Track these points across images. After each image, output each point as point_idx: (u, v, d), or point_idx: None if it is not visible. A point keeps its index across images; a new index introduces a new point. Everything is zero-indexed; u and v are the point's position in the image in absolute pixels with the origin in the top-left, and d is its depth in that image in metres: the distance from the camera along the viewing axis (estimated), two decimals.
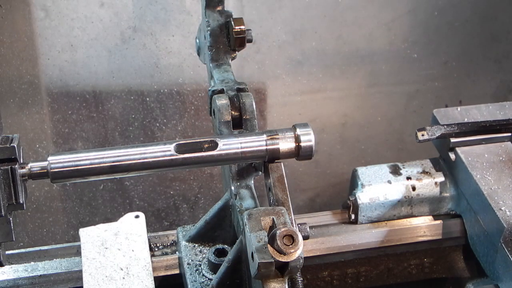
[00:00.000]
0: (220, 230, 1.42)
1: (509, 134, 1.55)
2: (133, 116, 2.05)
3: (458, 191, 1.55)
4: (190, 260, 1.42)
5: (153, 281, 1.38)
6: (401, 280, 1.63)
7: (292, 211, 1.16)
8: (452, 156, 1.53)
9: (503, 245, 1.39)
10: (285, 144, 1.17)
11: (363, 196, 1.56)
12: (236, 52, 1.44)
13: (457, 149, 1.53)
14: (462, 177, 1.52)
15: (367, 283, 1.61)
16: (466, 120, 1.58)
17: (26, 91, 1.97)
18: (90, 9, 1.93)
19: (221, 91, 1.30)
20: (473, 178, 1.47)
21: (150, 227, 2.08)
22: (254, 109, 1.27)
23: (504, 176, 1.48)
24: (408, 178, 1.58)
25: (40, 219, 2.09)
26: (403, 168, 1.61)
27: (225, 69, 1.39)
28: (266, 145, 1.17)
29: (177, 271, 1.50)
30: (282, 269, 1.07)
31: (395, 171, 1.60)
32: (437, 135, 1.49)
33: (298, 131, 1.18)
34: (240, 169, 1.29)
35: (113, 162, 1.14)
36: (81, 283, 1.39)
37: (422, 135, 1.49)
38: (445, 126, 1.51)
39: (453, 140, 1.53)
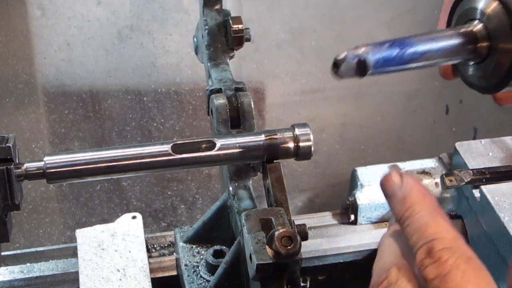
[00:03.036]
0: (218, 231, 1.41)
1: None
2: (130, 115, 2.05)
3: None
4: (187, 262, 1.42)
5: (150, 283, 1.38)
6: None
7: (290, 212, 1.15)
8: (476, 194, 1.50)
9: None
10: (284, 144, 1.16)
11: (363, 197, 1.55)
12: (234, 51, 1.43)
13: (483, 187, 1.48)
14: (488, 218, 1.48)
15: (367, 285, 1.60)
16: (491, 154, 1.55)
17: (22, 91, 1.97)
18: (87, 7, 1.92)
19: (219, 91, 1.30)
20: (500, 220, 1.43)
21: (148, 228, 2.07)
22: (253, 108, 1.26)
23: None
24: None
25: (36, 220, 2.08)
26: (403, 168, 1.60)
27: (223, 69, 1.39)
28: (265, 145, 1.16)
29: (174, 273, 1.49)
30: (280, 270, 1.06)
31: None
32: (466, 181, 1.45)
33: (297, 131, 1.17)
34: (238, 170, 1.29)
35: (110, 162, 1.13)
36: (77, 284, 1.38)
37: (450, 180, 1.44)
38: (474, 171, 1.47)
39: None
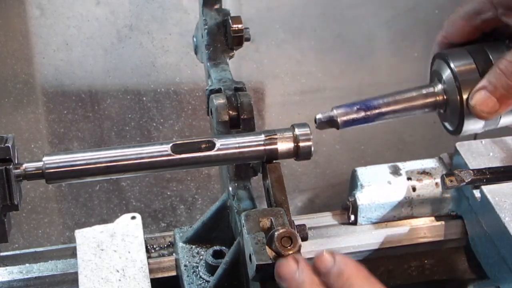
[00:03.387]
0: (217, 232, 1.41)
1: None
2: (130, 115, 2.04)
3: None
4: (187, 262, 1.41)
5: (149, 283, 1.37)
6: (401, 282, 1.62)
7: (290, 212, 1.15)
8: (477, 194, 1.49)
9: None
10: (284, 144, 1.16)
11: (363, 197, 1.54)
12: (234, 51, 1.43)
13: (483, 187, 1.47)
14: (489, 218, 1.47)
15: None
16: (491, 154, 1.55)
17: (21, 91, 1.97)
18: (86, 7, 1.92)
19: (219, 91, 1.29)
20: (501, 220, 1.42)
21: (147, 229, 2.07)
22: (252, 108, 1.26)
23: None
24: (409, 178, 1.57)
25: (35, 220, 2.08)
26: (403, 168, 1.59)
27: (222, 68, 1.38)
28: (264, 145, 1.16)
29: (174, 273, 1.48)
30: None
31: (395, 171, 1.58)
32: (466, 182, 1.46)
33: (297, 131, 1.16)
34: (238, 170, 1.28)
35: (109, 162, 1.12)
36: (76, 285, 1.38)
37: (451, 181, 1.45)
38: (475, 172, 1.47)
39: None
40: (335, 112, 1.16)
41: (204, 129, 2.09)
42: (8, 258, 1.50)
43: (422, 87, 1.19)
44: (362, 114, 1.15)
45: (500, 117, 1.15)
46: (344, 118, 1.16)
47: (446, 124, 1.21)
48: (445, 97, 1.16)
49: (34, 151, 2.03)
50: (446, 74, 1.15)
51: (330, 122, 1.17)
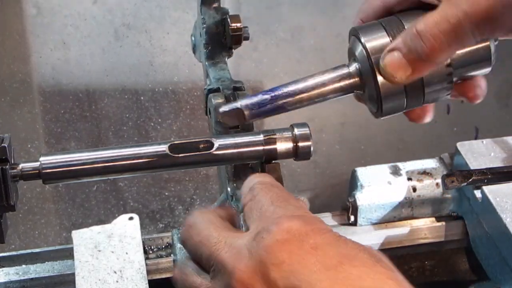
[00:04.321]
0: None
1: None
2: (127, 115, 2.04)
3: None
4: None
5: (147, 285, 1.36)
6: None
7: None
8: (478, 195, 1.48)
9: None
10: (283, 144, 1.15)
11: (363, 197, 1.54)
12: (233, 50, 1.42)
13: (484, 188, 1.47)
14: (490, 219, 1.46)
15: None
16: (492, 154, 1.54)
17: (18, 90, 1.96)
18: (83, 6, 1.92)
19: (217, 90, 1.28)
20: (502, 221, 1.41)
21: (145, 229, 2.07)
22: None
23: None
24: (409, 179, 1.56)
25: (32, 221, 2.08)
26: (404, 168, 1.59)
27: (221, 68, 1.37)
28: (263, 145, 1.15)
29: (172, 275, 1.47)
30: None
31: (395, 171, 1.58)
32: (467, 182, 1.45)
33: (296, 130, 1.15)
34: (236, 170, 1.27)
35: (107, 162, 1.11)
36: (74, 286, 1.37)
37: (451, 181, 1.44)
38: (476, 172, 1.46)
39: None
40: (240, 103, 1.06)
41: (203, 129, 2.09)
42: (5, 259, 1.49)
43: (336, 68, 1.08)
44: (271, 103, 1.06)
45: (424, 93, 1.04)
46: (252, 109, 1.06)
47: (369, 106, 1.10)
48: (360, 77, 1.05)
49: (31, 151, 2.02)
50: (359, 50, 1.04)
51: (236, 114, 1.07)
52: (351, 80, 1.06)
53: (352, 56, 1.07)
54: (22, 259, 1.50)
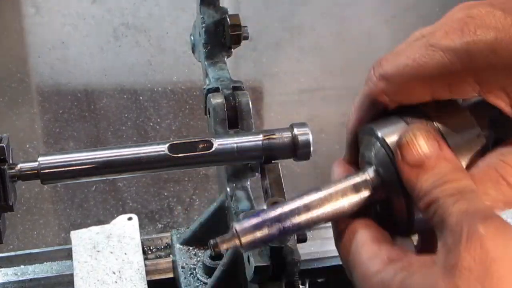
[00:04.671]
0: (215, 233, 1.39)
1: None
2: (126, 115, 2.04)
3: None
4: (184, 264, 1.40)
5: (146, 285, 1.36)
6: None
7: None
8: None
9: None
10: (282, 144, 1.15)
11: None
12: (232, 49, 1.41)
13: None
14: None
15: None
16: None
17: (16, 90, 1.96)
18: (82, 5, 1.92)
19: (216, 90, 1.28)
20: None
21: (144, 230, 2.07)
22: (251, 108, 1.25)
23: None
24: None
25: (30, 221, 2.08)
26: None
27: (220, 67, 1.37)
28: (263, 145, 1.15)
29: (171, 275, 1.47)
30: (279, 272, 1.05)
31: None
32: None
33: (296, 131, 1.15)
34: (236, 170, 1.27)
35: (105, 162, 1.11)
36: (72, 287, 1.37)
37: None
38: None
39: None
40: (236, 228, 0.77)
41: (202, 129, 2.09)
42: (3, 259, 1.49)
43: (347, 177, 0.78)
44: (271, 229, 0.76)
45: None
46: (249, 237, 0.77)
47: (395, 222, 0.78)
48: (379, 179, 0.77)
49: (29, 151, 2.02)
50: (377, 147, 0.76)
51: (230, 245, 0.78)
52: (371, 186, 0.78)
53: (366, 163, 0.80)
54: (20, 260, 1.49)
